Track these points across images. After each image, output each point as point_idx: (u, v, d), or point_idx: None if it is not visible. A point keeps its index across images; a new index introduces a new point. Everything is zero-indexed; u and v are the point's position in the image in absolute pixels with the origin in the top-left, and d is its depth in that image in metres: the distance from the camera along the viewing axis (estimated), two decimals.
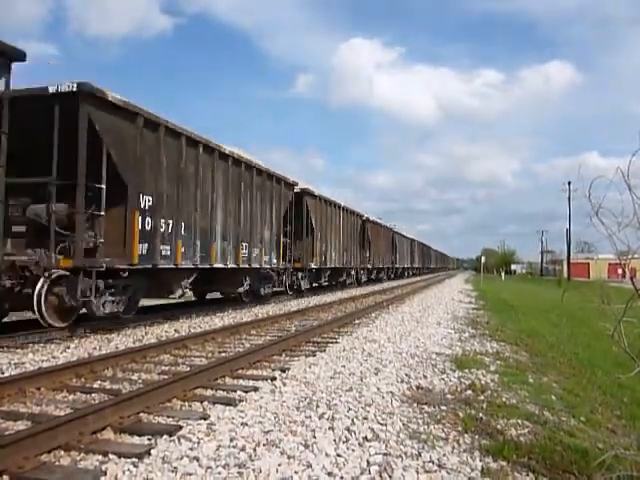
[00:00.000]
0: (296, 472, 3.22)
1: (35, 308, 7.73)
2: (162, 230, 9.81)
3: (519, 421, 4.35)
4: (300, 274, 18.74)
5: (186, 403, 4.83)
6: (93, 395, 5.09)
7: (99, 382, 5.64)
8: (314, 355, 7.24)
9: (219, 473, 3.18)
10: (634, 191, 3.01)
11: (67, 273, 8.07)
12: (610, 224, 3.07)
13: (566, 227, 52.45)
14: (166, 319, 11.06)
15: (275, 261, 15.54)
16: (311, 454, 3.51)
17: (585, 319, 12.80)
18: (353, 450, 3.61)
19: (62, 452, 3.52)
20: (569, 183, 47.20)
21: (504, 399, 5.07)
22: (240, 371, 6.20)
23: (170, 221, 10.08)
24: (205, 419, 4.24)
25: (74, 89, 8.01)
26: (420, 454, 3.58)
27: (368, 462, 3.41)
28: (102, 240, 8.60)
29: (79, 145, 8.03)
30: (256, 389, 5.28)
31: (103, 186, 8.53)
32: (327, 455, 3.50)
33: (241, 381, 5.79)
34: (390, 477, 3.21)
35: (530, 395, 5.33)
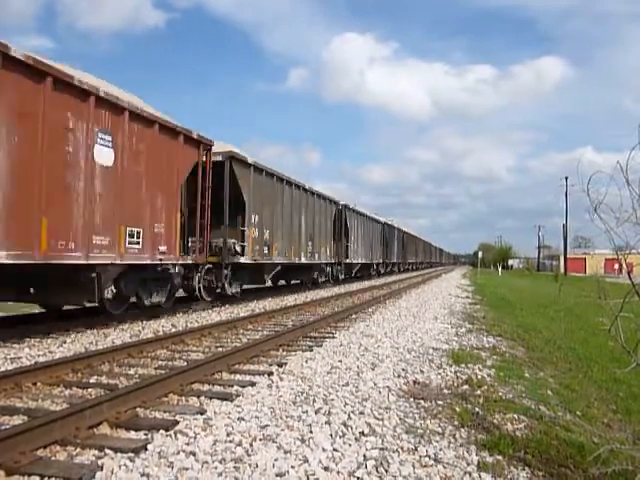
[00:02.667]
0: (292, 467, 3.22)
1: (195, 287, 11.83)
2: (265, 237, 14.77)
3: (515, 416, 4.36)
4: (339, 267, 23.95)
5: (183, 398, 4.83)
6: (89, 390, 5.08)
7: (96, 377, 5.63)
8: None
9: (215, 468, 3.18)
10: (632, 186, 3.01)
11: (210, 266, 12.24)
12: (607, 219, 3.07)
13: (563, 222, 52.60)
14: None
15: (329, 257, 21.74)
16: (307, 449, 3.51)
17: (582, 314, 12.84)
18: (350, 445, 3.61)
19: (58, 447, 3.51)
20: (566, 178, 47.18)
21: (500, 394, 5.08)
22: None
23: (268, 231, 15.01)
24: (202, 414, 4.24)
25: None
26: (416, 448, 3.59)
27: (365, 457, 3.41)
28: (246, 244, 13.48)
29: (225, 187, 12.75)
30: (253, 384, 5.28)
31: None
32: (324, 450, 3.50)
33: (238, 376, 5.79)
34: (386, 471, 3.21)
35: (526, 390, 5.34)
